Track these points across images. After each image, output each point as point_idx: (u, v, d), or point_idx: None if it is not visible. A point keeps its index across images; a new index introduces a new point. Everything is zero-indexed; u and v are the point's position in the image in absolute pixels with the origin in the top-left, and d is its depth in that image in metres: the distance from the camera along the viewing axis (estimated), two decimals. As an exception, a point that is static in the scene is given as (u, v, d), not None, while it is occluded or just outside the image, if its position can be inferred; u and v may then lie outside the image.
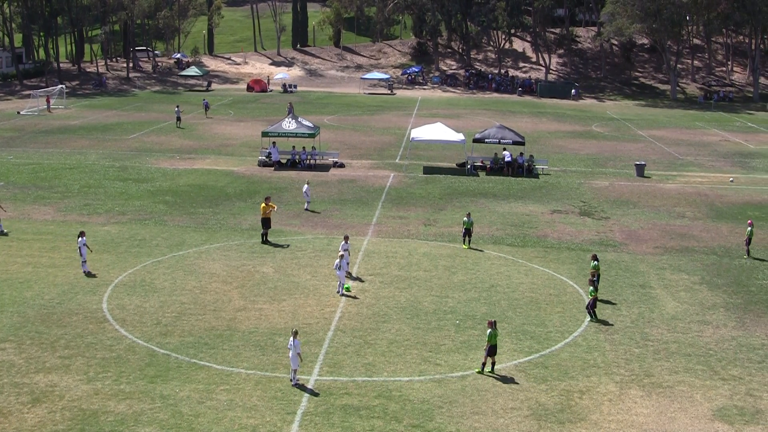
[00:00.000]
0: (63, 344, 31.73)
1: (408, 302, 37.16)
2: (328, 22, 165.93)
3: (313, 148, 71.80)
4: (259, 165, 69.52)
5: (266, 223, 46.88)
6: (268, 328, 33.65)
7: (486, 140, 70.10)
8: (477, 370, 30.28)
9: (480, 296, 38.23)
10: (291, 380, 28.67)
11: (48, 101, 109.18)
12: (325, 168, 69.07)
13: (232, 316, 35.04)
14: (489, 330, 30.03)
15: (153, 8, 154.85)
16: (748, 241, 46.44)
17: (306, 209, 54.63)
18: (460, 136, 70.22)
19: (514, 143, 69.45)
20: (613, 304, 37.70)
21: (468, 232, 46.78)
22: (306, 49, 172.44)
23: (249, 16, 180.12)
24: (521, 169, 68.68)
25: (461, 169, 69.72)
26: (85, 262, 40.39)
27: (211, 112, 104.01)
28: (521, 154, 69.78)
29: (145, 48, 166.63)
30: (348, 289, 38.44)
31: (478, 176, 67.40)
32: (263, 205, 47.04)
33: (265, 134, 71.20)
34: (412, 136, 72.43)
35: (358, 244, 46.45)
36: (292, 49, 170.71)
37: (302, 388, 28.33)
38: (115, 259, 42.78)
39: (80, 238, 40.42)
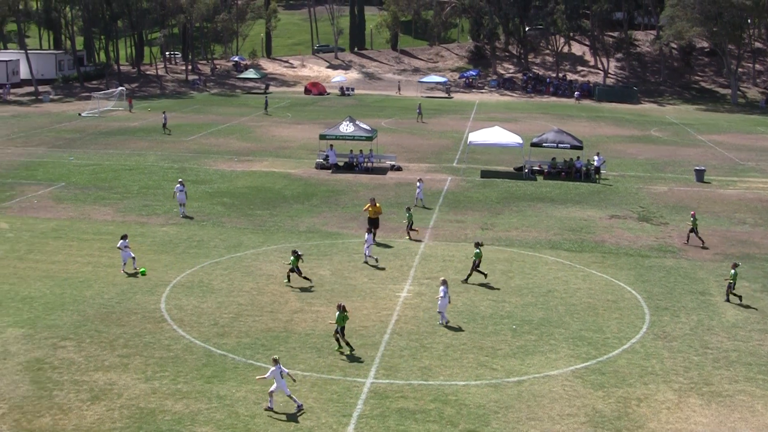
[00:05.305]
0: (122, 343, 32.05)
1: (465, 306, 37.02)
2: (386, 26, 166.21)
3: (371, 151, 71.86)
4: (316, 167, 69.73)
5: (374, 223, 47.20)
6: (324, 330, 33.65)
7: (544, 144, 69.62)
8: (336, 348, 31.68)
9: (537, 301, 37.98)
10: (297, 405, 27.18)
11: (130, 102, 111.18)
12: (382, 171, 69.12)
13: (289, 318, 35.14)
14: (337, 312, 31.39)
15: (211, 11, 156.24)
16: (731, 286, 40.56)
17: (423, 206, 56.43)
18: (517, 139, 69.91)
19: (572, 147, 68.93)
20: (672, 311, 37.27)
21: (409, 226, 48.47)
22: (363, 52, 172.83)
23: (306, 19, 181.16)
24: (579, 173, 68.19)
25: (519, 173, 69.39)
26: (125, 264, 40.86)
27: (269, 115, 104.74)
28: (578, 158, 69.27)
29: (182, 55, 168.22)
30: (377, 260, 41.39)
31: (536, 180, 67.04)
32: (372, 207, 47.58)
33: (322, 137, 71.41)
34: (469, 139, 72.26)
35: (415, 247, 46.44)
36: (350, 52, 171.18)
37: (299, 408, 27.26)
38: (174, 259, 43.14)
39: (122, 240, 40.87)
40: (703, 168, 69.38)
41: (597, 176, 68.13)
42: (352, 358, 31.02)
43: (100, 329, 33.45)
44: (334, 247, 46.10)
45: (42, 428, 25.30)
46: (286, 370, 27.25)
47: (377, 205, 48.42)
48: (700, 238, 48.51)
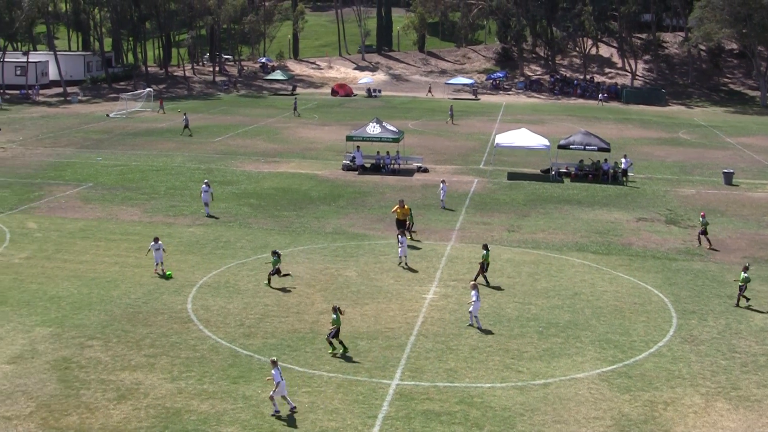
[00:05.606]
0: (148, 343, 32.19)
1: (491, 308, 36.91)
2: (413, 27, 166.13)
3: (398, 152, 71.80)
4: (343, 169, 69.78)
5: (401, 224, 47.33)
6: (350, 331, 33.62)
7: (571, 146, 69.38)
8: (330, 351, 31.50)
9: (563, 304, 37.84)
10: (290, 407, 26.94)
11: (161, 103, 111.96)
12: (409, 173, 69.09)
13: (315, 319, 35.17)
14: (333, 315, 31.22)
15: (239, 13, 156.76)
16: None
17: (444, 207, 56.44)
18: (544, 141, 69.71)
19: (600, 149, 68.60)
20: (700, 314, 37.02)
21: (411, 223, 48.87)
22: (390, 53, 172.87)
23: (333, 21, 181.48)
24: (606, 176, 67.89)
25: (546, 176, 69.20)
26: (158, 264, 40.93)
27: (299, 116, 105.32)
28: (605, 160, 68.95)
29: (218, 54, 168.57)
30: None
31: (563, 182, 66.81)
32: (400, 209, 47.88)
33: (349, 138, 71.45)
34: (496, 141, 72.08)
35: (441, 249, 46.39)
36: (377, 54, 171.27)
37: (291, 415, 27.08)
38: (200, 260, 43.28)
39: (154, 242, 40.98)
40: (731, 171, 68.93)
41: (624, 179, 67.83)
42: (379, 360, 31.03)
43: (126, 329, 33.61)
44: (361, 249, 46.12)
45: (69, 427, 25.45)
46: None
47: (405, 207, 48.45)
48: (700, 239, 48.60)
